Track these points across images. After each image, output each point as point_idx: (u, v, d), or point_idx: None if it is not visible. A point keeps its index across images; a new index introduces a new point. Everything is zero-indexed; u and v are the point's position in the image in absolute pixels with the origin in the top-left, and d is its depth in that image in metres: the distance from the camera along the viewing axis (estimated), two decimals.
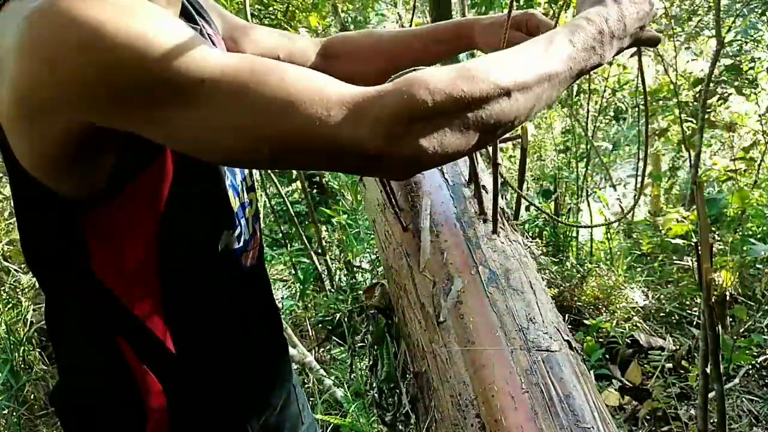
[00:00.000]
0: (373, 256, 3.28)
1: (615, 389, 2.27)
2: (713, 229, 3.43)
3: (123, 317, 0.64)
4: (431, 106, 0.49)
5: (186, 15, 0.74)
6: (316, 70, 0.53)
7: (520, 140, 0.87)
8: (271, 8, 3.41)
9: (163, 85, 0.47)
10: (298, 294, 3.12)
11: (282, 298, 3.53)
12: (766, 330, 2.50)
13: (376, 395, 0.94)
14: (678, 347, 2.53)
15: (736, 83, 3.54)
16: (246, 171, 0.80)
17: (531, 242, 3.55)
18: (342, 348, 2.69)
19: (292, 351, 2.34)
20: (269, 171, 2.94)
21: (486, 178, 0.94)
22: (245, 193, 0.76)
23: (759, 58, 3.88)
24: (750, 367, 2.34)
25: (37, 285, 2.48)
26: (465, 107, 0.51)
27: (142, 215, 0.61)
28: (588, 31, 0.61)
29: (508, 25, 0.76)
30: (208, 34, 0.78)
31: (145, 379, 0.66)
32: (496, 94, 0.52)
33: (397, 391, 0.90)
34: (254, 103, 0.48)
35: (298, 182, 3.55)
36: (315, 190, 3.88)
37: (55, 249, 0.62)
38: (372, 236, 3.11)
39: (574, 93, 4.09)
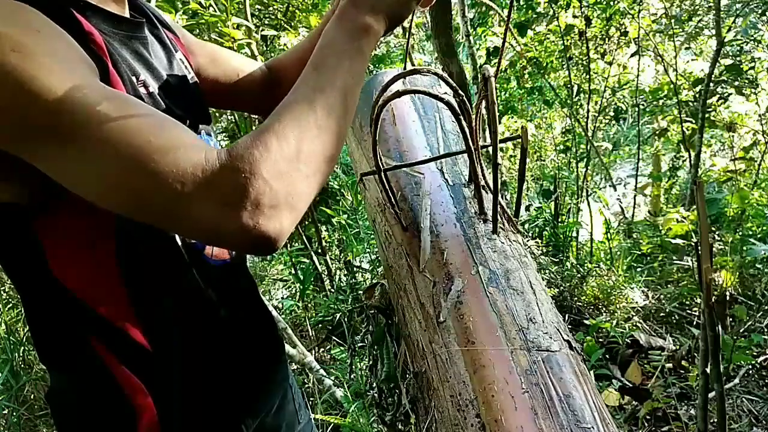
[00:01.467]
0: (373, 256, 3.28)
1: (615, 389, 2.27)
2: (713, 229, 3.43)
3: (90, 318, 0.64)
4: (269, 191, 0.50)
5: (146, 18, 0.76)
6: (264, 101, 0.56)
7: (520, 140, 0.87)
8: (271, 8, 3.41)
9: (43, 126, 0.49)
10: (298, 294, 3.12)
11: (282, 298, 3.53)
12: (766, 330, 2.50)
13: (376, 395, 0.94)
14: (678, 347, 2.53)
15: (736, 83, 3.54)
16: None
17: (531, 242, 3.56)
18: (342, 348, 2.70)
19: (292, 351, 2.34)
20: None
21: (486, 178, 0.94)
22: None
23: (759, 58, 3.88)
24: (750, 367, 2.35)
25: None
26: (292, 174, 0.52)
27: (93, 214, 0.61)
28: (344, 26, 0.63)
29: (508, 25, 0.76)
30: (169, 38, 0.80)
31: (125, 378, 0.66)
32: (307, 143, 0.53)
33: (397, 391, 0.90)
34: (119, 161, 0.49)
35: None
36: None
37: (11, 253, 0.63)
38: (372, 236, 3.11)
39: (574, 93, 4.09)
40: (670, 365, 2.43)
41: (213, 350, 0.75)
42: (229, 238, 0.51)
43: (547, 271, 3.20)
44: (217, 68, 0.93)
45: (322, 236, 3.38)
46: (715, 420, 1.35)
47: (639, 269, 3.32)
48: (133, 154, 0.48)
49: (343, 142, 0.60)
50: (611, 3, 3.84)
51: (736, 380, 2.23)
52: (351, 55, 0.61)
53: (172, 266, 0.69)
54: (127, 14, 0.70)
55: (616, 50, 4.28)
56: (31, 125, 0.49)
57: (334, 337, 2.83)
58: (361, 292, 2.88)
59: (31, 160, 0.51)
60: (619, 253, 3.51)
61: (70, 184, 0.52)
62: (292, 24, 3.57)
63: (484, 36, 4.89)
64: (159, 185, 0.49)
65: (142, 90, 0.64)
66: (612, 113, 4.86)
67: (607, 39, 4.15)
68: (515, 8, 3.91)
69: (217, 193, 0.49)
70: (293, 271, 3.21)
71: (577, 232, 3.85)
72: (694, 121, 3.60)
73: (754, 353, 2.35)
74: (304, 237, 3.11)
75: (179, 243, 0.69)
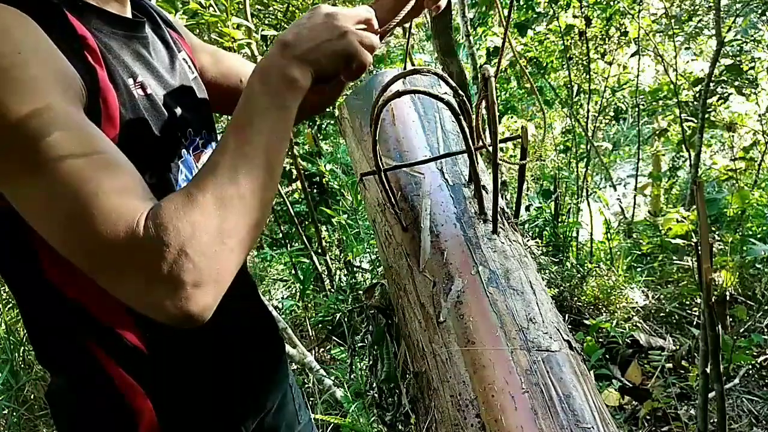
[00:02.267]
0: (373, 256, 3.28)
1: (615, 389, 2.27)
2: (713, 229, 3.43)
3: (86, 321, 0.64)
4: (192, 269, 0.49)
5: (149, 18, 0.76)
6: None
7: (520, 140, 0.87)
8: (271, 8, 3.41)
9: (4, 151, 0.49)
10: (298, 294, 3.12)
11: (282, 298, 3.53)
12: (766, 330, 2.50)
13: (376, 395, 0.94)
14: (678, 347, 2.53)
15: (736, 83, 3.54)
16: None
17: (531, 242, 3.56)
18: (342, 348, 2.69)
19: (291, 351, 2.34)
20: None
21: (486, 178, 0.94)
22: None
23: (759, 58, 3.88)
24: (750, 367, 2.34)
25: None
26: (220, 249, 0.51)
27: None
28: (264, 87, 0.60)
29: (508, 24, 0.76)
30: (172, 38, 0.80)
31: (123, 380, 0.66)
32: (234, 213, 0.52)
33: (397, 391, 0.90)
34: (62, 213, 0.49)
35: (298, 182, 3.55)
36: (315, 190, 3.88)
37: (6, 258, 0.63)
38: (372, 236, 3.11)
39: (574, 93, 4.09)
40: (670, 365, 2.43)
41: (211, 352, 0.75)
42: (153, 313, 0.50)
43: (547, 271, 3.20)
44: (219, 72, 0.92)
45: (322, 236, 3.37)
46: (715, 420, 1.35)
47: (639, 269, 3.32)
48: (72, 206, 0.49)
49: (269, 207, 0.58)
50: (611, 3, 3.84)
51: (736, 380, 2.23)
52: (275, 113, 0.59)
53: None
54: (128, 14, 0.70)
55: (616, 50, 4.28)
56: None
57: (334, 337, 2.83)
58: (361, 292, 2.88)
59: None
60: (619, 253, 3.51)
61: (21, 211, 0.52)
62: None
63: (484, 36, 4.89)
64: (91, 243, 0.49)
65: (139, 92, 0.64)
66: (612, 113, 4.86)
67: (607, 39, 4.15)
68: (515, 8, 3.91)
69: (142, 265, 0.49)
70: (293, 271, 3.21)
71: (577, 232, 3.85)
72: (694, 121, 3.60)
73: (754, 353, 2.34)
74: (304, 237, 3.11)
75: None
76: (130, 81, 0.63)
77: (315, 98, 0.68)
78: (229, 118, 0.65)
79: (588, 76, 4.11)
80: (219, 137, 0.84)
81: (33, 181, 0.49)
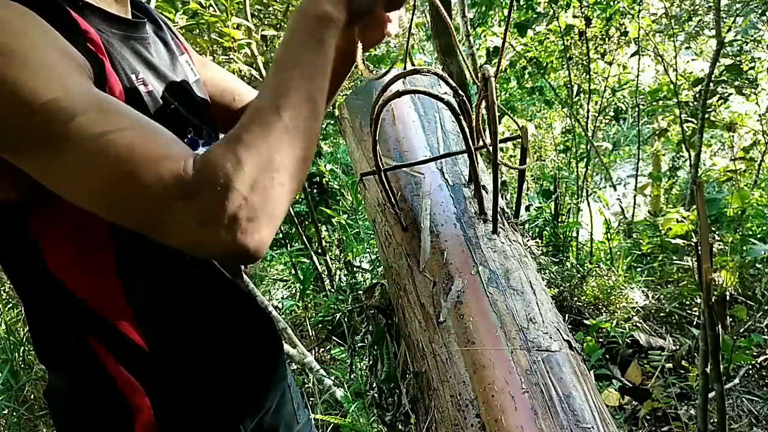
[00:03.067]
0: (373, 256, 3.28)
1: (615, 389, 2.27)
2: (713, 229, 3.43)
3: (88, 317, 0.64)
4: (245, 204, 0.50)
5: (151, 19, 0.76)
6: None
7: (520, 140, 0.87)
8: (271, 8, 3.41)
9: (26, 131, 0.49)
10: (298, 294, 3.12)
11: (282, 298, 3.53)
12: (766, 330, 2.50)
13: (376, 395, 0.94)
14: (678, 347, 2.53)
15: (736, 83, 3.54)
16: None
17: (531, 242, 3.56)
18: (342, 348, 2.70)
19: (291, 351, 2.34)
20: None
21: (486, 178, 0.94)
22: None
23: (759, 58, 3.88)
24: (750, 367, 2.35)
25: None
26: (270, 177, 0.52)
27: (90, 213, 0.61)
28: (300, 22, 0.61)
29: (508, 24, 0.76)
30: (175, 42, 0.80)
31: (123, 378, 0.66)
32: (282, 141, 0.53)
33: (397, 391, 0.90)
34: (100, 170, 0.49)
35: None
36: (315, 190, 3.88)
37: (9, 252, 0.64)
38: (372, 236, 3.11)
39: (574, 93, 4.09)
40: (670, 365, 2.43)
41: (211, 350, 0.75)
42: (210, 250, 0.51)
43: (547, 271, 3.20)
44: (216, 88, 0.92)
45: (322, 236, 3.38)
46: (715, 420, 1.35)
47: (639, 269, 3.32)
48: (114, 163, 0.49)
49: (315, 140, 0.59)
50: (611, 3, 3.84)
51: (736, 380, 2.23)
52: (312, 48, 0.59)
53: (171, 266, 0.69)
54: (128, 15, 0.70)
55: (616, 50, 4.28)
56: (13, 129, 0.49)
57: (334, 337, 2.84)
58: (361, 292, 2.88)
59: (13, 161, 0.51)
60: (619, 253, 3.51)
61: (53, 187, 0.52)
62: None
63: (484, 36, 4.89)
64: (139, 196, 0.49)
65: (141, 87, 0.64)
66: (612, 113, 4.86)
67: (607, 39, 4.16)
68: (515, 8, 3.91)
69: (195, 207, 0.49)
70: (293, 271, 3.21)
71: (577, 232, 3.85)
72: (694, 121, 3.60)
73: (754, 353, 2.34)
74: (304, 237, 3.11)
75: None
76: (133, 77, 0.64)
77: (345, 47, 0.72)
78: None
79: (588, 76, 4.11)
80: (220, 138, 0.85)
81: (64, 153, 0.49)
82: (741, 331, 2.41)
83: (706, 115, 3.41)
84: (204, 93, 0.83)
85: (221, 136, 0.63)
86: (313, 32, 0.60)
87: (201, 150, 0.76)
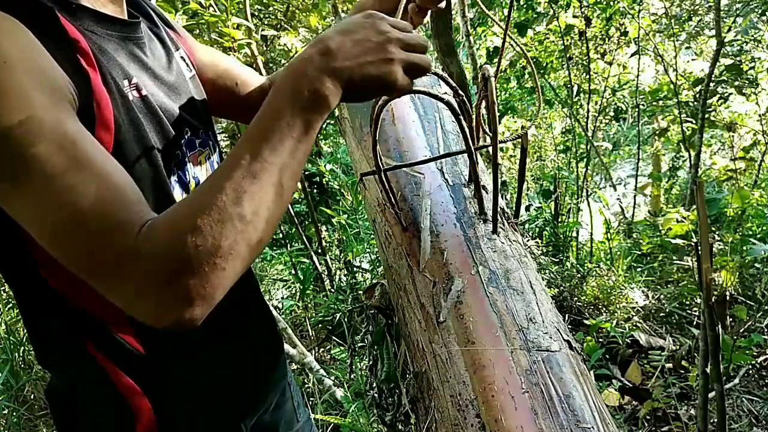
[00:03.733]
0: (373, 256, 3.28)
1: (615, 389, 2.27)
2: (713, 229, 3.43)
3: (85, 323, 0.64)
4: (190, 286, 0.49)
5: (146, 17, 0.76)
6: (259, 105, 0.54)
7: (520, 140, 0.87)
8: (271, 8, 3.41)
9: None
10: (298, 294, 3.12)
11: (282, 298, 3.53)
12: (766, 330, 2.50)
13: (376, 395, 0.94)
14: (678, 347, 2.53)
15: (736, 83, 3.54)
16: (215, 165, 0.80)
17: (531, 242, 3.56)
18: (342, 348, 2.70)
19: (292, 351, 2.34)
20: None
21: (486, 178, 0.94)
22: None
23: (759, 58, 3.88)
24: (750, 367, 2.34)
25: None
26: (228, 256, 0.51)
27: None
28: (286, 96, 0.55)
29: (508, 24, 0.76)
30: (169, 36, 0.79)
31: (122, 381, 0.66)
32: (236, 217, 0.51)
33: (397, 391, 0.90)
34: (53, 218, 0.50)
35: (298, 182, 3.55)
36: (315, 190, 3.88)
37: (4, 258, 0.64)
38: (372, 236, 3.11)
39: (574, 93, 4.09)
40: (670, 365, 2.43)
41: (210, 350, 0.75)
42: (144, 318, 0.51)
43: (547, 271, 3.20)
44: (216, 73, 0.91)
45: (322, 236, 3.38)
46: (715, 420, 1.35)
47: (639, 269, 3.32)
48: (66, 217, 0.49)
49: (275, 226, 0.56)
50: (611, 3, 3.84)
51: (736, 380, 2.23)
52: (298, 132, 0.54)
53: None
54: (124, 15, 0.70)
55: (616, 50, 4.28)
56: None
57: (334, 337, 2.84)
58: (361, 292, 2.88)
59: None
60: (619, 253, 3.51)
61: (14, 216, 0.52)
62: (292, 24, 3.57)
63: (484, 36, 4.89)
64: (84, 254, 0.50)
65: (134, 93, 0.64)
66: (612, 113, 4.86)
67: (607, 39, 4.16)
68: (515, 8, 3.91)
69: (135, 277, 0.49)
70: (293, 271, 3.21)
71: (577, 232, 3.85)
72: (694, 121, 3.60)
73: (754, 353, 2.34)
74: (304, 237, 3.11)
75: None
76: (125, 83, 0.63)
77: None
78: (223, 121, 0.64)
79: (588, 76, 4.11)
80: (217, 137, 0.85)
81: (23, 189, 0.50)
82: (741, 331, 2.41)
83: (706, 115, 3.41)
84: (200, 89, 0.82)
85: (218, 135, 0.62)
86: (304, 113, 0.54)
87: (199, 147, 0.76)
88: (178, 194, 0.69)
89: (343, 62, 0.55)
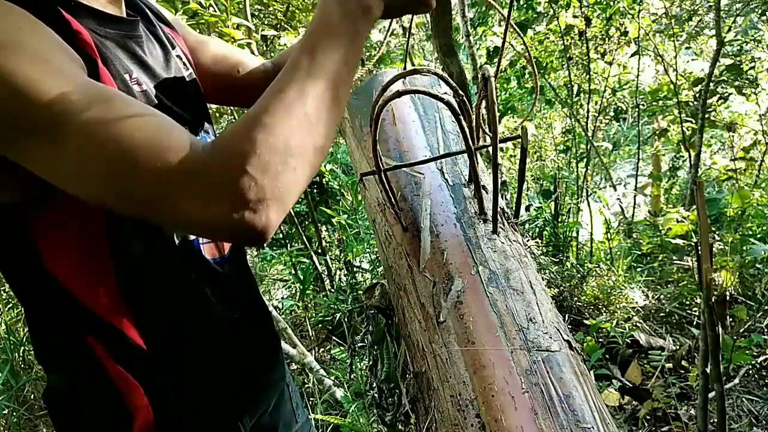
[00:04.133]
0: (373, 256, 3.28)
1: (615, 389, 2.27)
2: (713, 229, 3.43)
3: (87, 317, 0.64)
4: (254, 186, 0.49)
5: (142, 15, 0.76)
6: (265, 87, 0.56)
7: (520, 140, 0.87)
8: (271, 8, 3.41)
9: (26, 122, 0.48)
10: (298, 294, 3.12)
11: (282, 298, 3.53)
12: (766, 330, 2.50)
13: (376, 395, 0.94)
14: (678, 347, 2.53)
15: (736, 83, 3.54)
16: None
17: (531, 242, 3.56)
18: (342, 348, 2.69)
19: (291, 351, 2.33)
20: None
21: (486, 178, 0.94)
22: None
23: (759, 58, 3.88)
24: (750, 367, 2.34)
25: None
26: (287, 159, 0.51)
27: (86, 214, 0.60)
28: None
29: (508, 24, 0.76)
30: (166, 35, 0.80)
31: (122, 378, 0.66)
32: (300, 122, 0.52)
33: (397, 391, 0.90)
34: (103, 157, 0.49)
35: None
36: (315, 190, 3.88)
37: (7, 252, 0.63)
38: (372, 236, 3.11)
39: (575, 93, 4.09)
40: (670, 365, 2.43)
41: (210, 349, 0.75)
42: (216, 231, 0.51)
43: (547, 271, 3.20)
44: (213, 60, 0.92)
45: (322, 236, 3.38)
46: (715, 420, 1.35)
47: (639, 269, 3.32)
48: (118, 150, 0.48)
49: (334, 132, 0.58)
50: (611, 3, 3.84)
51: (736, 380, 2.23)
52: (348, 39, 0.58)
53: (169, 265, 0.69)
54: (123, 14, 0.70)
55: (616, 50, 4.28)
56: (13, 121, 0.49)
57: (334, 337, 2.84)
58: (361, 292, 2.88)
59: (14, 157, 0.51)
60: (619, 253, 3.51)
61: (56, 180, 0.51)
62: (292, 24, 3.58)
63: (484, 36, 4.89)
64: (145, 181, 0.49)
65: (135, 87, 0.64)
66: (612, 113, 4.86)
67: (607, 39, 4.15)
68: (515, 8, 3.91)
69: (202, 188, 0.49)
70: (293, 271, 3.21)
71: (577, 232, 3.85)
72: (694, 121, 3.60)
73: (754, 353, 2.34)
74: (304, 237, 3.11)
75: (176, 241, 0.69)
76: (126, 77, 0.64)
77: None
78: (228, 110, 0.65)
79: (588, 76, 4.11)
80: (216, 134, 0.85)
81: (65, 138, 0.48)
82: (741, 331, 2.42)
83: (706, 115, 3.41)
84: (198, 87, 0.83)
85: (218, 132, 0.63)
86: (352, 22, 0.58)
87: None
88: None
89: None
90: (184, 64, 0.81)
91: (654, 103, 4.31)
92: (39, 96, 0.48)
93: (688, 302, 2.90)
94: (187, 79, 0.79)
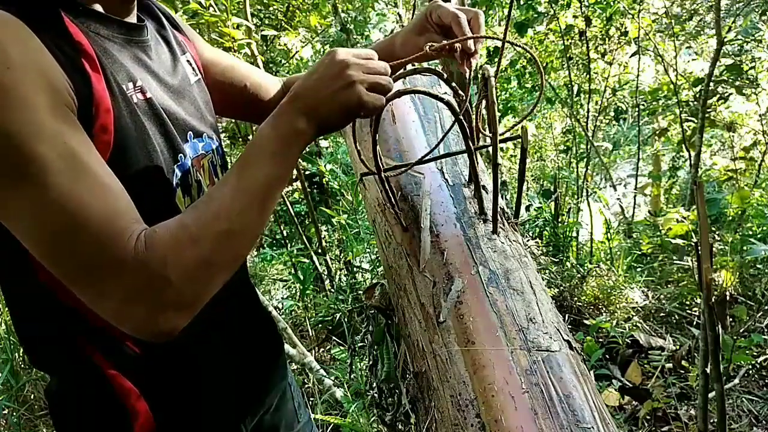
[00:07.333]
0: (373, 256, 3.28)
1: (615, 389, 2.27)
2: (713, 229, 3.43)
3: (81, 325, 0.64)
4: (175, 296, 0.54)
5: (155, 18, 0.77)
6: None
7: (520, 140, 0.87)
8: (271, 8, 3.41)
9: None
10: (298, 294, 3.12)
11: (282, 298, 3.53)
12: (766, 330, 2.50)
13: (376, 395, 0.94)
14: (678, 347, 2.53)
15: (736, 83, 3.54)
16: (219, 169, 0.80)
17: (531, 242, 3.56)
18: (342, 348, 2.69)
19: (291, 351, 2.33)
20: None
21: (486, 178, 0.94)
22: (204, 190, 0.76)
23: (759, 58, 3.88)
24: (750, 367, 2.34)
25: None
26: (207, 267, 0.56)
27: None
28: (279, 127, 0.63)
29: (508, 24, 0.76)
30: (177, 39, 0.80)
31: (118, 382, 0.66)
32: (223, 233, 0.56)
33: (397, 391, 0.90)
34: (46, 223, 0.51)
35: (298, 182, 3.56)
36: (315, 190, 3.88)
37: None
38: (372, 236, 3.11)
39: (575, 93, 4.09)
40: (670, 365, 2.43)
41: (208, 351, 0.75)
42: (126, 326, 0.54)
43: (547, 271, 3.20)
44: (224, 75, 0.92)
45: (322, 236, 3.37)
46: (715, 420, 1.35)
47: (639, 269, 3.32)
48: (63, 220, 0.51)
49: (257, 239, 0.63)
50: (611, 3, 3.84)
51: (736, 380, 2.23)
52: (279, 158, 0.62)
53: None
54: (132, 19, 0.70)
55: (616, 50, 4.28)
56: None
57: (334, 337, 2.83)
58: (361, 292, 2.88)
59: None
60: (619, 253, 3.51)
61: (7, 225, 0.53)
62: (292, 24, 3.57)
63: None
64: (79, 258, 0.52)
65: (138, 96, 0.64)
66: (612, 113, 4.86)
67: (607, 39, 4.15)
68: (515, 8, 3.91)
69: (128, 283, 0.52)
70: (293, 271, 3.21)
71: (577, 232, 3.85)
72: (694, 121, 3.60)
73: (754, 353, 2.34)
74: (304, 237, 3.11)
75: None
76: (129, 85, 0.63)
77: None
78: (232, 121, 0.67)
79: (588, 76, 4.11)
80: (221, 140, 0.85)
81: (22, 191, 0.50)
82: (741, 331, 2.42)
83: (706, 115, 3.41)
84: (205, 93, 0.82)
85: (222, 137, 0.63)
86: (283, 144, 0.62)
87: (201, 151, 0.76)
88: (180, 197, 0.69)
89: (308, 102, 0.63)
90: (193, 69, 0.81)
91: (654, 103, 4.31)
92: (10, 142, 0.50)
93: (688, 302, 2.90)
94: (195, 86, 0.79)
